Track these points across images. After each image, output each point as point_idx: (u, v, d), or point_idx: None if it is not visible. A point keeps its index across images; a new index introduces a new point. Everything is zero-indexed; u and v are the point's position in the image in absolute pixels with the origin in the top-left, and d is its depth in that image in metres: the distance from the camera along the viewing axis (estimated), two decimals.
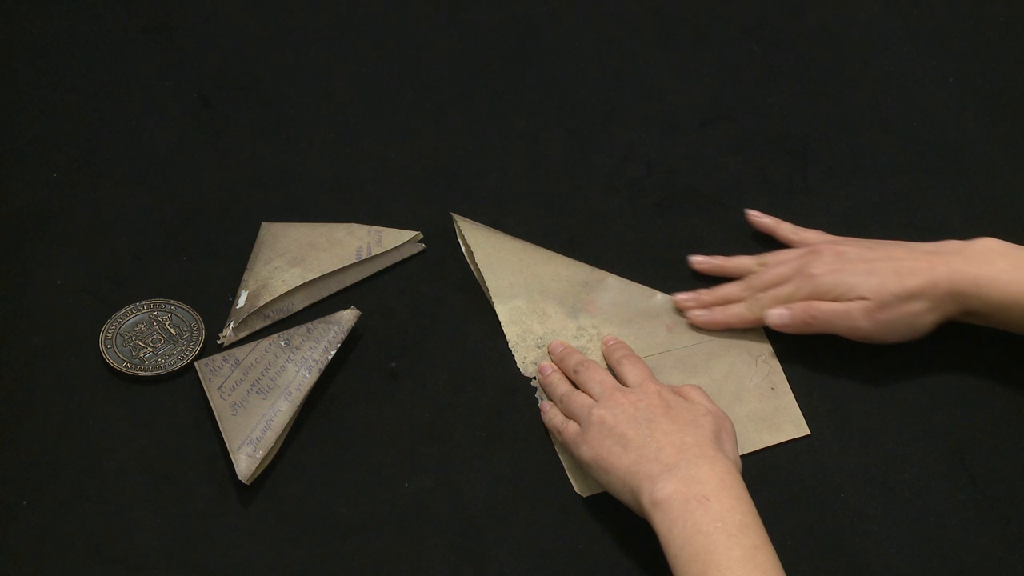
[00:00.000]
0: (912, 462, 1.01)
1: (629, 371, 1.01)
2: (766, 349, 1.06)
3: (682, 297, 1.08)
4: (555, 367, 1.04)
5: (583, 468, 0.98)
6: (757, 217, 1.12)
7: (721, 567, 0.86)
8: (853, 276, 1.02)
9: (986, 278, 1.00)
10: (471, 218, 1.12)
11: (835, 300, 1.03)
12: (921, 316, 1.01)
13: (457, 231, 1.11)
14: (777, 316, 1.04)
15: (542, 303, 1.07)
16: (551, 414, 1.01)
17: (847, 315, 1.02)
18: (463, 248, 1.10)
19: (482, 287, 1.08)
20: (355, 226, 1.11)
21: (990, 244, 1.02)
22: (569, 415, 0.99)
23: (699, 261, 1.10)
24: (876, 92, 1.23)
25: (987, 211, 1.14)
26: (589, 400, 0.98)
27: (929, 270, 1.01)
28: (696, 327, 1.06)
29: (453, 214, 1.11)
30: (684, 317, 1.07)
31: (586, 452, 0.96)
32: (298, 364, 1.02)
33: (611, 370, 1.03)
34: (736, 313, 1.06)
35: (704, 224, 1.14)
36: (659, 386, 0.98)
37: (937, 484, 1.00)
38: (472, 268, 1.09)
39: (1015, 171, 1.17)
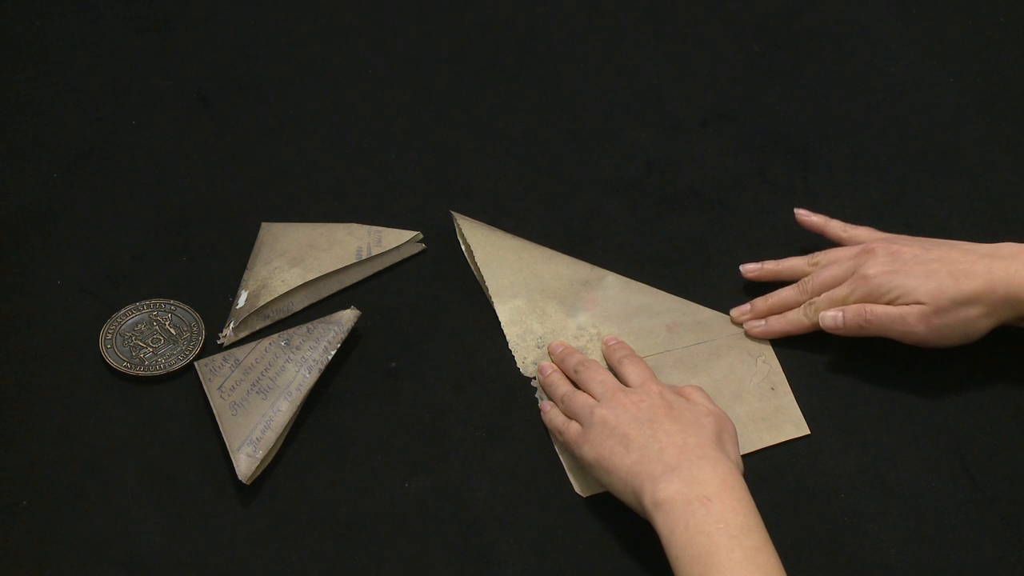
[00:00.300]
0: (912, 462, 1.01)
1: (631, 371, 1.01)
2: (766, 349, 1.06)
3: (737, 312, 1.07)
4: (555, 367, 1.04)
5: (585, 468, 0.98)
6: (805, 216, 1.10)
7: (723, 568, 0.86)
8: (909, 279, 1.01)
9: None
10: (471, 218, 1.12)
11: (890, 302, 1.02)
12: (977, 321, 1.00)
13: (457, 230, 1.11)
14: (831, 319, 1.03)
15: (542, 303, 1.07)
16: (552, 414, 1.01)
17: (903, 320, 1.01)
18: (463, 247, 1.10)
19: (482, 286, 1.08)
20: (355, 226, 1.11)
21: None
22: (570, 415, 0.99)
23: (750, 269, 1.09)
24: (876, 92, 1.23)
25: (987, 211, 1.14)
26: (591, 400, 0.98)
27: (986, 274, 0.99)
28: (702, 328, 1.07)
29: (453, 212, 1.11)
30: (740, 326, 1.07)
31: (588, 452, 0.96)
32: (298, 364, 1.02)
33: (612, 370, 1.03)
34: (793, 320, 1.06)
35: (704, 224, 1.14)
36: (661, 386, 0.98)
37: (937, 484, 1.00)
38: (472, 267, 1.09)
39: (1015, 171, 1.17)
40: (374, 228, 1.10)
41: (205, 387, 1.01)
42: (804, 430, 1.02)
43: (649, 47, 1.26)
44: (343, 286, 1.09)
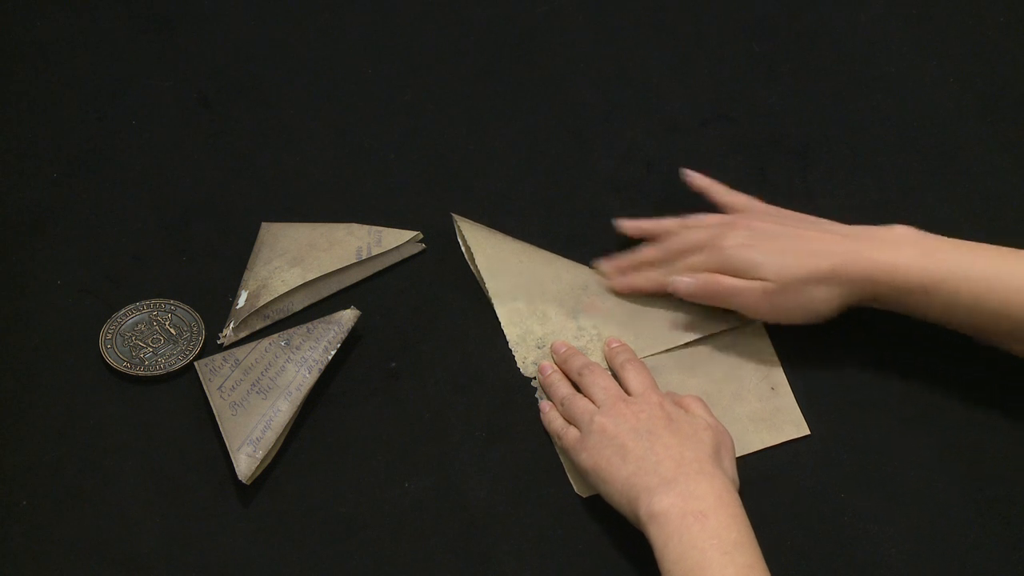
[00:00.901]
0: (912, 462, 1.01)
1: (632, 378, 1.00)
2: (766, 349, 1.06)
3: (600, 264, 1.08)
4: (556, 367, 1.04)
5: (581, 474, 0.98)
6: (692, 178, 1.11)
7: None
8: (760, 254, 1.02)
9: (890, 264, 0.99)
10: (471, 218, 1.12)
11: (740, 275, 1.02)
12: (822, 301, 1.01)
13: (457, 231, 1.11)
14: (683, 285, 1.04)
15: (542, 305, 1.07)
16: (551, 416, 1.01)
17: (746, 294, 1.02)
18: (463, 248, 1.10)
19: (482, 288, 1.08)
20: (355, 226, 1.11)
21: (901, 231, 1.01)
22: (569, 419, 0.99)
23: (626, 224, 1.10)
24: (876, 92, 1.23)
25: (987, 211, 1.14)
26: (591, 406, 0.98)
27: (835, 255, 1.00)
28: (700, 323, 1.06)
29: (453, 215, 1.11)
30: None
31: (586, 460, 0.96)
32: (298, 364, 1.02)
33: (613, 373, 1.03)
34: (651, 278, 1.07)
35: None
36: (661, 396, 0.98)
37: (937, 484, 1.00)
38: (472, 268, 1.09)
39: (1015, 171, 1.17)
40: (374, 228, 1.10)
41: (205, 387, 1.01)
42: (804, 430, 1.02)
43: (649, 47, 1.26)
44: (343, 286, 1.09)
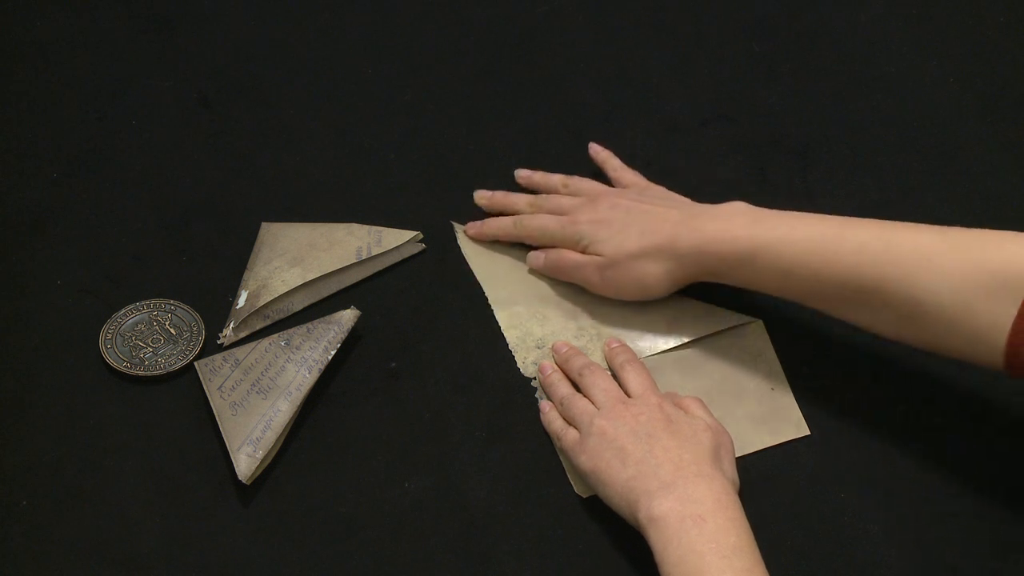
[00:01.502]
0: (912, 462, 1.01)
1: (632, 379, 1.01)
2: (766, 349, 1.06)
3: (479, 192, 1.12)
4: (556, 367, 1.04)
5: (581, 477, 0.98)
6: (593, 150, 1.14)
7: None
8: (603, 230, 1.04)
9: (719, 233, 1.00)
10: (471, 218, 1.12)
11: (584, 248, 1.05)
12: (652, 275, 1.02)
13: (458, 238, 1.11)
14: (534, 259, 1.08)
15: (541, 307, 1.07)
16: (550, 417, 1.01)
17: (583, 268, 1.05)
18: (464, 253, 1.10)
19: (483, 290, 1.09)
20: (355, 226, 1.11)
21: (735, 205, 1.02)
22: (569, 419, 0.99)
23: (521, 173, 1.13)
24: (876, 92, 1.23)
25: (987, 211, 1.14)
26: (591, 408, 0.98)
27: (667, 229, 1.02)
28: (691, 324, 1.07)
29: (453, 223, 1.11)
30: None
31: (585, 462, 0.96)
32: (298, 364, 1.02)
33: (613, 373, 1.03)
34: (503, 225, 1.10)
35: None
36: (660, 398, 0.98)
37: (937, 484, 1.00)
38: (473, 272, 1.10)
39: (1015, 171, 1.17)
40: (374, 228, 1.10)
41: (205, 387, 1.01)
42: (804, 430, 1.02)
43: (649, 47, 1.26)
44: (343, 286, 1.09)
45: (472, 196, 1.13)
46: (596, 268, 1.04)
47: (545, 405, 1.02)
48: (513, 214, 1.10)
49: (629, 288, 1.04)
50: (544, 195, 1.11)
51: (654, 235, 1.02)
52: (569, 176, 1.12)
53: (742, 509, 0.91)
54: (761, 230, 0.98)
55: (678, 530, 0.89)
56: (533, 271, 1.09)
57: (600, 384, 1.00)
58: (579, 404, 0.99)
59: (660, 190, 1.10)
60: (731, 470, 0.95)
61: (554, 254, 1.07)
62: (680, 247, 1.01)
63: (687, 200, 1.07)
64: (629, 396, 0.99)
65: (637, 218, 1.04)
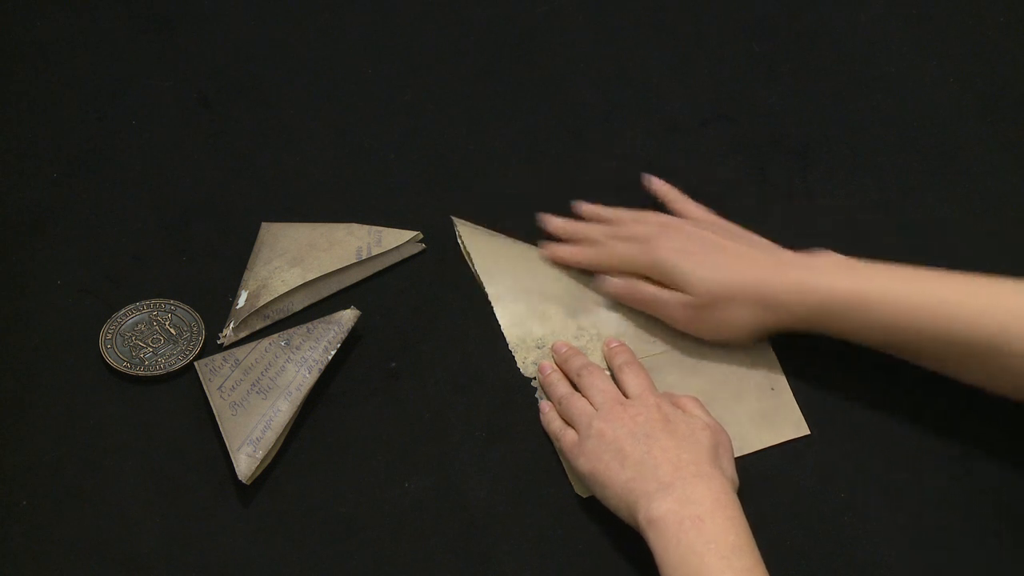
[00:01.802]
0: (912, 462, 1.01)
1: (630, 380, 1.00)
2: (766, 349, 1.06)
3: (547, 217, 1.09)
4: (555, 367, 1.04)
5: (580, 478, 0.98)
6: (652, 184, 1.11)
7: None
8: (684, 261, 1.02)
9: (812, 283, 0.98)
10: (471, 218, 1.12)
11: (667, 282, 1.02)
12: (740, 319, 1.01)
13: (457, 235, 1.11)
14: (611, 285, 1.06)
15: (542, 306, 1.07)
16: (549, 417, 1.01)
17: (667, 306, 1.03)
18: (463, 250, 1.10)
19: (482, 290, 1.08)
20: (355, 226, 1.11)
21: (826, 255, 1.01)
22: (567, 419, 0.99)
23: (584, 207, 1.10)
24: (876, 92, 1.23)
25: (987, 211, 1.14)
26: (589, 409, 0.98)
27: (755, 273, 1.00)
28: None
29: (453, 218, 1.11)
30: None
31: (584, 465, 0.96)
32: (298, 364, 1.02)
33: (611, 374, 1.03)
34: (580, 252, 1.08)
35: None
36: (658, 398, 0.98)
37: (937, 484, 1.00)
38: (472, 271, 1.09)
39: (1015, 171, 1.17)
40: (374, 228, 1.10)
41: (205, 387, 1.01)
42: (804, 430, 1.02)
43: (649, 47, 1.26)
44: (343, 286, 1.09)
45: (472, 196, 1.13)
46: (681, 306, 1.02)
47: (545, 405, 1.02)
48: (585, 241, 1.09)
49: (714, 331, 1.02)
50: (617, 224, 1.08)
51: (742, 276, 1.00)
52: (634, 210, 1.09)
53: (741, 508, 0.91)
54: (859, 282, 0.97)
55: (677, 531, 0.89)
56: (534, 266, 1.09)
57: (598, 385, 1.00)
58: (577, 405, 0.99)
59: (731, 225, 1.07)
60: (730, 468, 0.95)
61: (633, 284, 1.04)
62: (770, 294, 0.99)
63: (764, 240, 1.05)
64: (627, 397, 0.99)
65: (718, 254, 1.02)
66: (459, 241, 1.11)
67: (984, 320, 0.94)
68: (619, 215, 1.09)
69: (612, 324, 1.07)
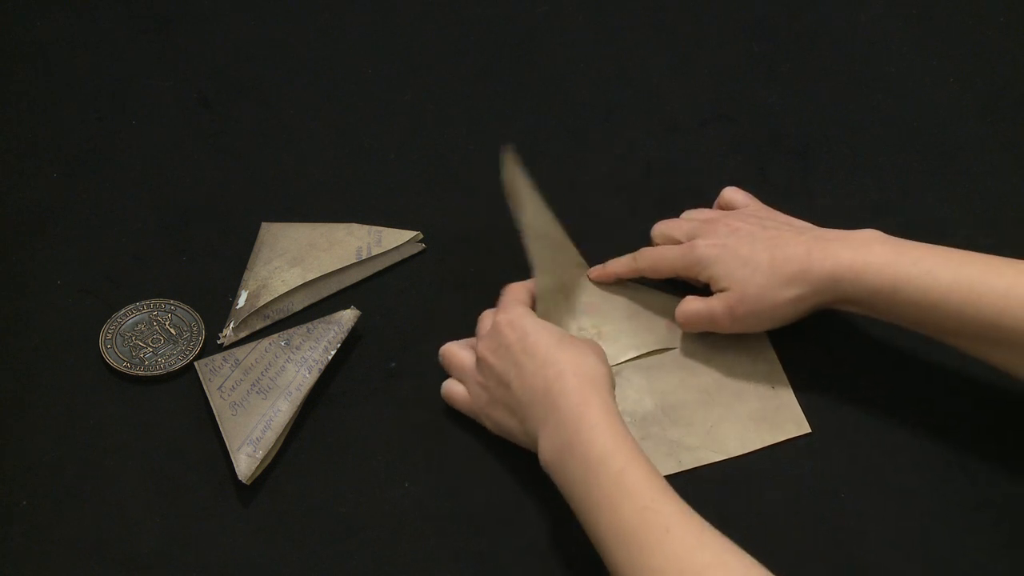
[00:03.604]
0: (912, 462, 1.01)
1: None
2: (766, 348, 1.06)
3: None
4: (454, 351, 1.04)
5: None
6: (731, 192, 1.10)
7: (599, 507, 0.89)
8: (725, 258, 1.01)
9: (862, 263, 0.97)
10: (471, 218, 1.12)
11: (708, 277, 1.02)
12: (784, 301, 0.99)
13: (507, 172, 1.04)
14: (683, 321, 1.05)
15: (562, 293, 1.06)
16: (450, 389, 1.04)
17: (714, 317, 1.02)
18: (506, 187, 1.04)
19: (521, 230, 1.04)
20: (355, 226, 1.11)
21: (870, 232, 1.00)
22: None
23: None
24: (876, 92, 1.23)
25: (987, 211, 1.14)
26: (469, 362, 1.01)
27: (799, 256, 0.99)
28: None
29: (505, 154, 1.04)
30: None
31: (490, 425, 1.00)
32: (298, 364, 1.02)
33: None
34: (620, 263, 1.07)
35: None
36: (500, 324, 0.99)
37: (937, 484, 1.00)
38: (511, 205, 1.04)
39: (1015, 171, 1.17)
40: (374, 228, 1.10)
41: (205, 387, 1.01)
42: (805, 429, 1.02)
43: (649, 47, 1.26)
44: (343, 286, 1.09)
45: (472, 196, 1.13)
46: (727, 310, 1.01)
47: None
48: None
49: (762, 322, 1.02)
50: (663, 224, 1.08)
51: (785, 264, 0.99)
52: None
53: (606, 407, 0.91)
54: (904, 263, 0.96)
55: (560, 468, 0.91)
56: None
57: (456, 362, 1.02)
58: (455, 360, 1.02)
59: (778, 214, 1.07)
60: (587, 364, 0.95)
61: (686, 311, 1.03)
62: (814, 273, 0.98)
63: (810, 224, 1.04)
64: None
65: (762, 247, 1.00)
66: (506, 180, 1.04)
67: (1015, 304, 0.93)
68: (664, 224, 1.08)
69: (611, 322, 1.07)
